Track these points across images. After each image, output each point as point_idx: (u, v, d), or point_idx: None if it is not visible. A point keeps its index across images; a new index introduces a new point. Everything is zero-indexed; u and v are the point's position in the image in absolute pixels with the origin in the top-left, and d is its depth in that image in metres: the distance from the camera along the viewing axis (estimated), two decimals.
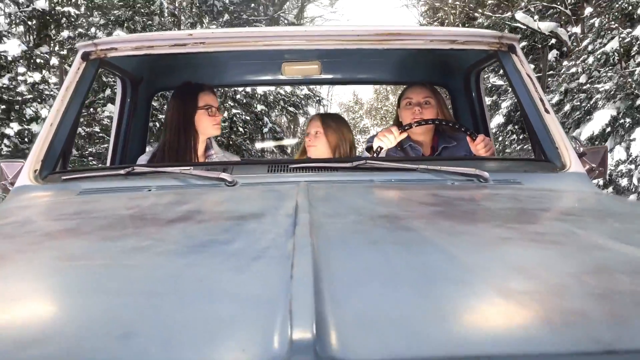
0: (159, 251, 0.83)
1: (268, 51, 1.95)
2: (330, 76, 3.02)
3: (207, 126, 2.32)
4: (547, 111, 1.87)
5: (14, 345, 0.53)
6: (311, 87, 13.40)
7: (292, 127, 18.98)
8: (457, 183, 1.60)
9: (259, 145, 12.53)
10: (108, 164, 2.71)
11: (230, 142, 11.34)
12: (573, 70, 8.25)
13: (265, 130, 12.47)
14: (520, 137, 10.05)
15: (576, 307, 0.59)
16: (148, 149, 2.88)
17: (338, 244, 0.83)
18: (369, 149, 2.29)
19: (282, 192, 1.39)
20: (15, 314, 0.61)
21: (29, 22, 9.30)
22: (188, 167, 1.67)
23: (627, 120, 6.87)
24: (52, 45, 9.66)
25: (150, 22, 10.35)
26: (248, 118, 12.16)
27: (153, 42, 1.93)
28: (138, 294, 0.65)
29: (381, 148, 2.18)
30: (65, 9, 9.35)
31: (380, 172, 1.67)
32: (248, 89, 11.69)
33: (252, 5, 15.83)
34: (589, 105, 7.49)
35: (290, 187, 1.42)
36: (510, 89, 2.08)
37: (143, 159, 2.36)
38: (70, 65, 2.19)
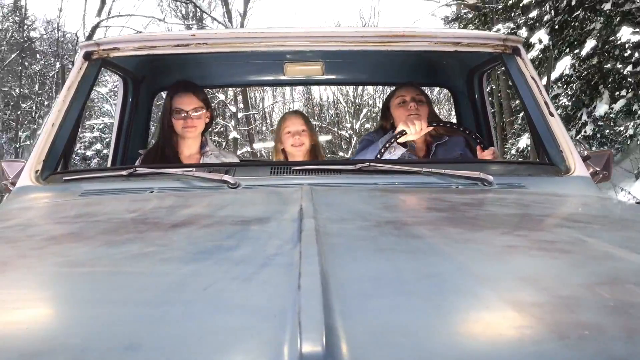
0: (164, 258, 0.82)
1: (271, 52, 1.94)
2: (332, 77, 3.02)
3: (179, 129, 2.35)
4: (551, 114, 1.86)
5: (17, 356, 0.52)
6: None
7: None
8: (461, 187, 1.59)
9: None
10: (109, 163, 2.69)
11: None
12: None
13: None
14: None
15: (590, 320, 0.58)
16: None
17: (345, 251, 0.81)
18: (395, 130, 2.28)
19: (285, 195, 1.38)
20: (19, 325, 0.60)
21: None
22: (190, 169, 1.66)
23: None
24: None
25: None
26: None
27: (156, 42, 1.92)
28: (143, 303, 0.64)
29: (405, 132, 2.18)
30: None
31: (383, 174, 1.66)
32: None
33: None
34: None
35: (294, 190, 1.41)
36: (514, 91, 2.07)
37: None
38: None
